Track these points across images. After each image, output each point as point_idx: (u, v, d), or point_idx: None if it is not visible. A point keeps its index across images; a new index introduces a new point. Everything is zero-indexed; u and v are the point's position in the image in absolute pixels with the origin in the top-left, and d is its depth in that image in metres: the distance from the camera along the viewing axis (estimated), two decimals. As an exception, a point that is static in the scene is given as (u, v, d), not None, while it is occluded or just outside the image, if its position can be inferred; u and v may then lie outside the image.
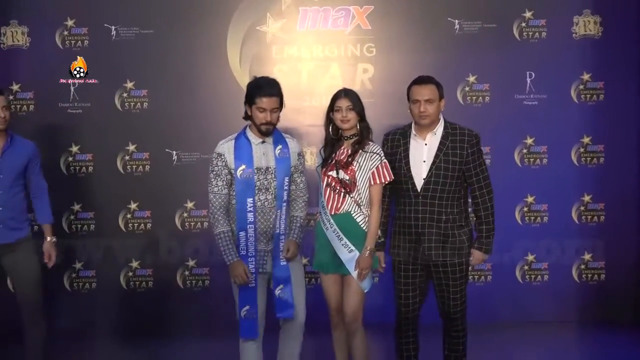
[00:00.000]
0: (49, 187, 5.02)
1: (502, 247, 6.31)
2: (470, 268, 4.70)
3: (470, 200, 4.63)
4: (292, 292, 4.51)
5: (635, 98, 6.47)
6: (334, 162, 4.51)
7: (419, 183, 4.48)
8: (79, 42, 6.29)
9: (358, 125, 4.50)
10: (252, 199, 4.40)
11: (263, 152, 4.46)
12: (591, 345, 6.17)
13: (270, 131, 4.44)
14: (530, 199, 6.47)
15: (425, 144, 4.52)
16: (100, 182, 6.35)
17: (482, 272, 6.50)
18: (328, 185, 4.50)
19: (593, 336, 6.31)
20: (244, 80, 6.14)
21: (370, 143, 4.51)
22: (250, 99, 4.43)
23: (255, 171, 4.42)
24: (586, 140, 6.49)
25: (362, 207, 4.48)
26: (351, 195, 4.46)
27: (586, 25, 6.42)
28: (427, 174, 4.47)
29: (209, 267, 6.36)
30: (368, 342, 4.65)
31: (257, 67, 6.21)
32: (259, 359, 4.55)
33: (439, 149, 4.49)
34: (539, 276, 6.52)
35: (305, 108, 6.33)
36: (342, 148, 4.54)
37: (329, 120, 4.57)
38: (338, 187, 4.47)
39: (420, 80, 4.54)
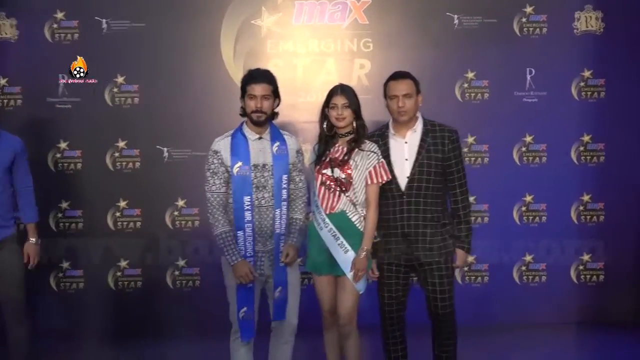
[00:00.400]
0: (36, 184, 4.92)
1: (499, 247, 6.40)
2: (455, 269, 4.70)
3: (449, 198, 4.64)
4: (287, 296, 4.48)
5: (637, 96, 6.45)
6: (328, 159, 4.46)
7: (402, 182, 4.47)
8: (69, 35, 6.20)
9: (354, 123, 4.46)
10: (249, 197, 4.35)
11: (260, 149, 4.41)
12: (590, 347, 6.13)
13: (263, 120, 4.38)
14: (528, 198, 6.43)
15: (406, 142, 4.52)
16: (89, 180, 6.27)
17: (479, 273, 6.46)
18: (322, 183, 4.45)
19: (592, 338, 6.28)
20: (237, 76, 6.04)
21: (367, 141, 4.48)
22: (242, 90, 4.42)
23: (252, 168, 4.37)
24: (586, 138, 6.46)
25: (357, 207, 4.45)
26: (346, 194, 4.42)
27: (588, 21, 6.38)
28: (411, 172, 4.46)
29: (200, 267, 6.30)
30: (361, 344, 4.62)
31: (252, 62, 6.11)
32: (250, 361, 4.53)
33: (421, 146, 4.49)
34: (537, 277, 6.49)
35: (300, 104, 6.28)
36: (337, 145, 4.49)
37: (324, 116, 4.52)
38: (333, 186, 4.42)
39: (397, 76, 4.55)
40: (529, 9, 6.35)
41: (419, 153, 4.47)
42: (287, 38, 6.32)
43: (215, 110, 6.14)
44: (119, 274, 6.30)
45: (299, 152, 4.60)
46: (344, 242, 4.40)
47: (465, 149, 6.31)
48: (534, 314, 6.46)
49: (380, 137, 4.56)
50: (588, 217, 6.50)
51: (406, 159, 4.48)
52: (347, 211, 4.43)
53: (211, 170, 4.39)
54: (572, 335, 6.39)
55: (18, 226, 4.85)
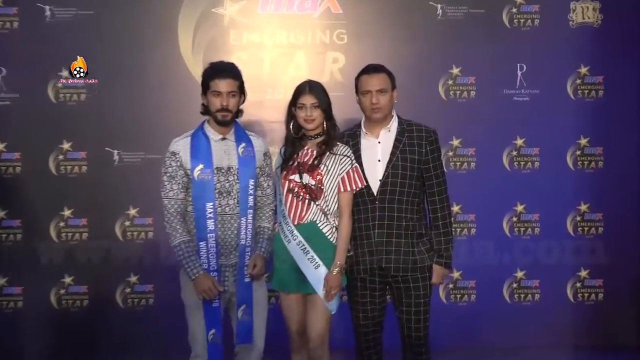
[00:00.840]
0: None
1: (487, 262, 6.43)
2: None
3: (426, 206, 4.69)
4: (252, 316, 4.50)
5: (638, 95, 6.56)
6: (296, 164, 4.50)
7: (374, 185, 4.53)
8: (7, 23, 6.22)
9: (324, 123, 4.50)
10: (212, 203, 4.37)
11: (224, 150, 4.45)
12: (588, 373, 6.23)
13: (229, 120, 4.43)
14: (520, 208, 6.52)
15: (379, 142, 4.59)
16: (29, 185, 6.28)
17: (465, 291, 6.54)
18: (290, 191, 4.48)
19: (590, 363, 6.37)
20: (196, 70, 6.12)
21: (339, 144, 4.52)
22: (205, 86, 4.45)
23: (215, 171, 4.40)
24: (583, 141, 6.56)
25: (329, 217, 4.49)
26: (317, 203, 4.45)
27: (584, 12, 6.48)
28: (384, 175, 4.52)
29: (154, 283, 6.32)
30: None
31: (212, 55, 6.12)
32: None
33: (395, 147, 4.55)
34: (530, 295, 6.57)
35: (266, 102, 6.33)
36: (305, 148, 4.54)
37: (291, 116, 4.56)
38: (302, 194, 4.46)
39: (370, 69, 4.61)
40: (519, -1, 6.49)
41: (393, 154, 4.53)
42: (252, 28, 6.39)
43: (171, 108, 6.19)
44: (62, 291, 6.30)
45: (267, 154, 4.65)
46: (315, 256, 4.43)
47: (450, 153, 6.41)
48: (526, 335, 6.52)
49: (351, 137, 4.63)
50: (586, 228, 6.59)
51: (379, 160, 4.55)
52: (318, 221, 4.46)
53: (168, 174, 4.40)
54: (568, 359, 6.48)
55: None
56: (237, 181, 4.44)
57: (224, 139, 4.47)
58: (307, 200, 4.45)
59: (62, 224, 6.30)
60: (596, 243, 6.58)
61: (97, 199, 6.30)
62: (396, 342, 4.76)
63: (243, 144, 4.50)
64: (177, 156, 4.41)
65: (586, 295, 6.62)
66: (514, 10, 6.46)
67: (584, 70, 6.52)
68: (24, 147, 6.28)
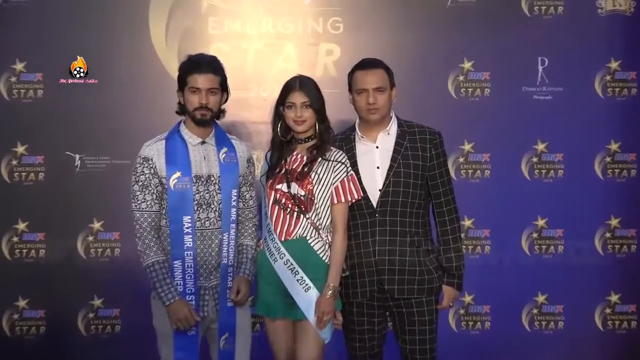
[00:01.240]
0: None
1: (504, 284, 6.40)
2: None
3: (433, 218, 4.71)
4: (235, 346, 4.50)
5: (676, 93, 6.58)
6: (283, 171, 4.51)
7: (374, 196, 4.55)
8: (-49, 9, 6.27)
9: (316, 125, 4.51)
10: (189, 216, 4.37)
11: (203, 156, 4.47)
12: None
13: (208, 120, 4.43)
14: (541, 223, 6.53)
15: (377, 147, 4.61)
16: (-23, 195, 6.30)
17: (479, 317, 6.54)
18: (276, 202, 4.50)
19: (621, 399, 6.38)
20: (170, 63, 6.15)
21: (333, 149, 4.54)
22: (181, 82, 4.45)
23: (194, 180, 4.40)
24: (614, 146, 6.56)
25: (320, 232, 4.50)
26: (307, 216, 4.47)
27: (615, -3, 6.52)
28: (384, 183, 4.54)
29: (121, 307, 6.33)
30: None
31: (189, 45, 6.17)
32: None
33: (396, 151, 4.57)
34: (552, 322, 6.57)
35: (250, 100, 6.34)
36: (294, 154, 4.55)
37: (278, 116, 4.58)
38: (290, 205, 4.47)
39: (366, 64, 4.62)
40: (541, -18, 6.51)
41: (393, 160, 4.55)
42: (235, 15, 6.40)
43: (142, 107, 6.22)
44: (16, 316, 6.30)
45: (250, 161, 4.67)
46: (305, 277, 4.44)
47: (461, 159, 6.43)
48: (548, 368, 6.56)
49: (345, 142, 4.65)
50: (617, 246, 6.59)
51: (377, 167, 4.57)
52: (308, 237, 4.48)
53: (140, 183, 4.39)
54: (596, 396, 6.49)
55: None
56: (218, 191, 4.45)
57: (203, 142, 4.48)
58: (295, 213, 4.47)
59: (15, 239, 6.30)
60: (628, 263, 6.57)
61: (56, 211, 6.31)
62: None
63: (225, 149, 4.52)
64: (150, 162, 4.40)
65: (617, 322, 6.61)
66: (534, -5, 6.50)
67: (614, 64, 6.52)
68: (-30, 151, 6.30)
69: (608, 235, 6.57)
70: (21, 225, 6.29)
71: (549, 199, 6.51)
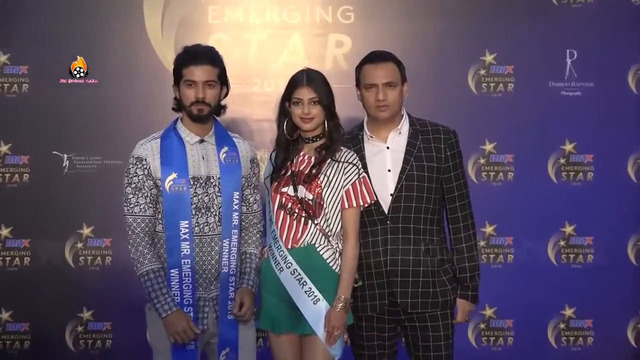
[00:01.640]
0: None
1: (528, 297, 6.39)
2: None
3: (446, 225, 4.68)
4: (238, 360, 4.49)
5: None
6: (289, 173, 4.49)
7: (385, 201, 4.53)
8: None
9: (325, 123, 4.49)
10: (187, 221, 4.36)
11: (202, 156, 4.46)
12: None
13: (205, 115, 4.41)
14: (569, 229, 6.53)
15: (388, 148, 4.59)
16: (-43, 198, 6.29)
17: (501, 332, 6.53)
18: (282, 207, 4.47)
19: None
20: (167, 55, 6.16)
21: (343, 149, 4.51)
22: (177, 75, 4.43)
23: (191, 182, 4.39)
24: (648, 147, 6.56)
25: (330, 239, 4.47)
26: (316, 222, 4.44)
27: (650, -15, 6.49)
28: (396, 188, 4.52)
29: (113, 320, 6.33)
30: None
31: (187, 36, 6.18)
32: None
33: (409, 152, 4.55)
34: (581, 338, 6.57)
35: (253, 95, 6.36)
36: (301, 154, 4.53)
37: (284, 113, 4.55)
38: (297, 210, 4.45)
39: (375, 57, 4.60)
40: (569, -32, 6.48)
41: (406, 162, 4.53)
42: (237, 3, 6.41)
43: (136, 103, 6.23)
44: (-2, 329, 6.33)
45: (254, 161, 4.65)
46: (313, 288, 4.41)
47: (482, 160, 6.43)
48: (576, 388, 6.53)
49: (352, 142, 4.62)
50: (651, 255, 6.59)
51: (389, 170, 4.55)
52: (317, 245, 4.45)
53: (133, 185, 4.38)
54: (628, 418, 6.47)
55: None
56: (218, 194, 4.43)
57: (202, 141, 4.46)
58: (303, 219, 4.45)
59: (-2, 245, 6.32)
60: (664, 273, 6.57)
61: (42, 215, 6.32)
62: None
63: (225, 148, 4.50)
64: (144, 163, 4.38)
65: (652, 338, 6.62)
66: (563, -18, 6.49)
67: (649, 57, 6.53)
68: (-50, 150, 6.30)
69: (642, 243, 6.57)
70: (4, 231, 6.31)
71: (578, 203, 6.51)
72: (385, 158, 4.57)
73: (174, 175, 4.36)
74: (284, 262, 4.44)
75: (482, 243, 6.25)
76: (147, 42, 6.34)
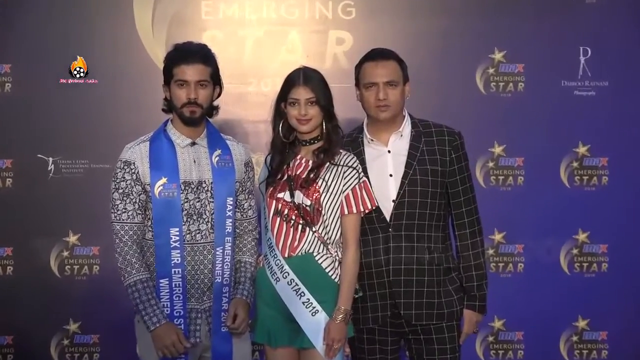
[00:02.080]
0: None
1: (539, 308, 6.39)
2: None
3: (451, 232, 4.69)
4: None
5: None
6: (286, 178, 4.49)
7: (387, 207, 4.53)
8: None
9: (323, 125, 4.49)
10: (177, 228, 4.35)
11: (193, 159, 4.46)
12: None
13: (197, 118, 4.41)
14: (582, 237, 6.54)
15: (389, 151, 4.59)
16: (-63, 204, 6.31)
17: (511, 345, 6.54)
18: (278, 213, 4.47)
19: None
20: (157, 53, 6.18)
21: (342, 152, 4.51)
22: (167, 74, 4.43)
23: (182, 187, 4.39)
24: (666, 150, 6.57)
25: (329, 247, 4.47)
26: (314, 229, 4.44)
27: (671, -25, 6.52)
28: (398, 193, 4.52)
29: (100, 333, 6.34)
30: None
31: (179, 33, 6.20)
32: None
33: (411, 156, 4.55)
34: (595, 351, 6.57)
35: (249, 95, 6.37)
36: (298, 157, 4.53)
37: (280, 114, 4.55)
38: (294, 217, 4.45)
39: (375, 55, 4.61)
40: (582, -41, 6.50)
41: (409, 166, 4.53)
42: (232, -1, 6.44)
43: (125, 104, 6.24)
44: (-20, 343, 6.33)
45: (249, 165, 4.65)
46: (312, 299, 4.41)
47: (491, 164, 6.44)
48: (590, 403, 6.55)
49: (352, 145, 4.62)
50: (670, 263, 6.60)
51: (390, 175, 4.55)
52: (315, 253, 4.45)
53: (120, 191, 4.37)
54: None
55: None
56: (210, 199, 4.43)
57: (193, 144, 4.47)
58: (300, 226, 4.44)
59: (-21, 254, 6.33)
60: (683, 283, 6.58)
61: (26, 222, 6.32)
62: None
63: (218, 151, 4.50)
64: (132, 167, 4.38)
65: (671, 351, 6.63)
66: (576, -24, 6.50)
67: (667, 55, 6.55)
68: None
69: (659, 251, 6.57)
70: (-14, 239, 6.32)
71: (592, 209, 6.52)
72: (386, 162, 4.57)
73: (163, 180, 4.36)
74: (281, 272, 4.44)
75: (490, 251, 6.27)
76: (137, 40, 6.35)
